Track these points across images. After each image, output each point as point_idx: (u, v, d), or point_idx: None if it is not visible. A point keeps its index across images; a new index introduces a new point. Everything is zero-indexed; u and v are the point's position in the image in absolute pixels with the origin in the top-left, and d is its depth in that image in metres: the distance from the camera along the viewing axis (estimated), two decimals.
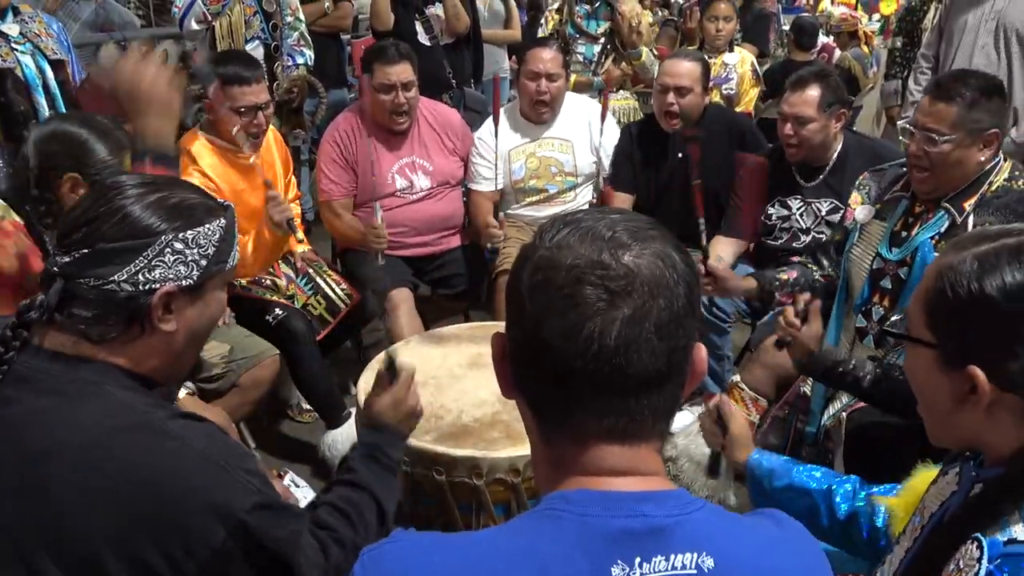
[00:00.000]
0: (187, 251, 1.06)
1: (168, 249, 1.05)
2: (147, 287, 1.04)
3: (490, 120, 3.08)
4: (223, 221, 1.11)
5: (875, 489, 1.35)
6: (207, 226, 1.08)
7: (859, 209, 2.10)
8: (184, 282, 1.06)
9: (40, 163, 1.65)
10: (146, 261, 1.03)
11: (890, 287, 1.98)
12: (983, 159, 1.87)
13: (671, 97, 2.81)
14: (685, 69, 2.81)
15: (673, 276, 0.72)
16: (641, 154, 2.98)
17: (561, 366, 0.71)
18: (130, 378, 1.06)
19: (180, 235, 1.05)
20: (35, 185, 1.65)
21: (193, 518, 0.97)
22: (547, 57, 2.90)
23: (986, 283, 0.90)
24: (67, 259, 1.03)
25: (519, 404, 0.79)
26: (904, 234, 1.98)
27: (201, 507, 0.98)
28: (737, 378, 2.39)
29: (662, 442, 0.77)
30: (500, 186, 3.01)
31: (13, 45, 2.54)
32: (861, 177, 2.17)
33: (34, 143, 1.67)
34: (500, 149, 2.98)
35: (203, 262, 1.08)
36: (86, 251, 1.03)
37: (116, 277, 1.02)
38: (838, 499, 1.36)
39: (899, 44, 4.41)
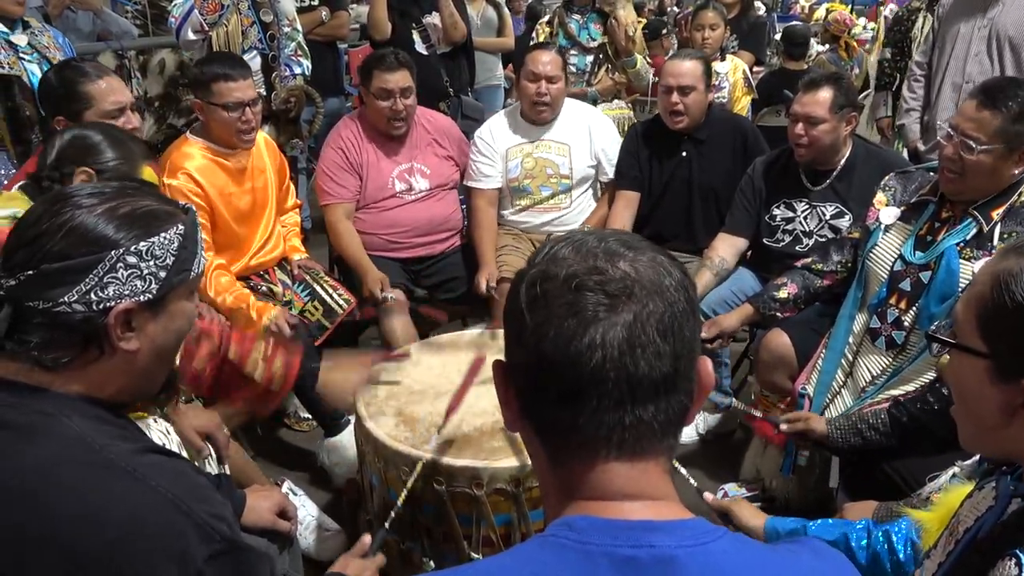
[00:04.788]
0: (142, 264, 0.98)
1: (120, 264, 0.96)
2: (101, 306, 0.96)
3: (491, 119, 3.14)
4: (182, 227, 1.03)
5: (887, 526, 1.34)
6: (163, 235, 1.00)
7: (884, 210, 2.10)
8: (143, 297, 0.98)
9: (57, 157, 1.68)
10: (97, 279, 0.95)
11: (909, 290, 1.98)
12: (1017, 172, 1.85)
13: (675, 97, 2.86)
14: (686, 68, 2.85)
15: (671, 282, 0.71)
16: (646, 152, 3.02)
17: (566, 378, 0.69)
18: (93, 405, 0.98)
19: (133, 247, 0.97)
20: (48, 178, 1.67)
21: (147, 567, 0.89)
22: (546, 59, 2.94)
23: None
24: (12, 281, 0.95)
25: (525, 434, 0.77)
26: (929, 238, 1.97)
27: (156, 555, 0.89)
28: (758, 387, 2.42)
29: (670, 460, 0.74)
30: (499, 184, 3.05)
31: (21, 54, 2.74)
32: (887, 178, 2.18)
33: (56, 144, 1.71)
34: (499, 147, 3.03)
35: (162, 274, 1.00)
36: (31, 272, 0.94)
37: (67, 298, 0.94)
38: (854, 544, 1.35)
39: (888, 55, 4.43)
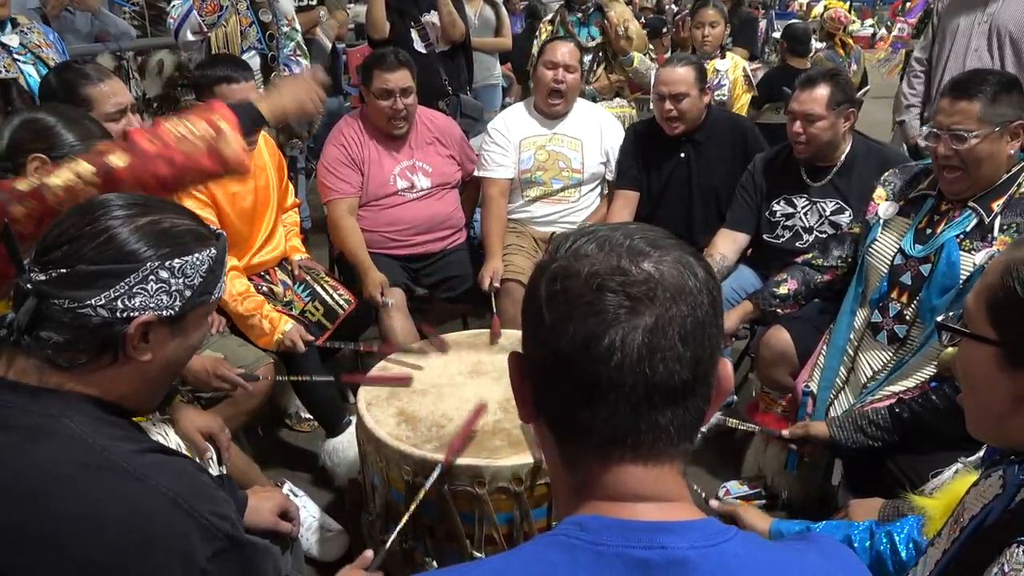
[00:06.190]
0: (172, 280, 1.01)
1: (152, 277, 0.99)
2: (124, 315, 0.98)
3: (506, 111, 3.18)
4: (213, 251, 1.06)
5: (890, 527, 1.34)
6: (196, 255, 1.04)
7: (883, 205, 2.12)
8: (165, 312, 1.01)
9: (9, 146, 1.63)
10: (127, 287, 0.98)
11: (909, 283, 1.99)
12: (1012, 152, 1.87)
13: (668, 104, 2.87)
14: (678, 76, 2.86)
15: (695, 283, 0.69)
16: (645, 152, 3.02)
17: (582, 379, 0.68)
18: (98, 407, 1.00)
19: (167, 263, 1.01)
20: (1, 168, 1.61)
21: (149, 567, 0.90)
22: (564, 49, 3.00)
23: None
24: (43, 277, 0.97)
25: (539, 430, 0.76)
26: (928, 231, 1.99)
27: (158, 555, 0.90)
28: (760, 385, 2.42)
29: (685, 463, 0.73)
30: (512, 175, 3.06)
31: (15, 56, 2.67)
32: (887, 174, 2.19)
33: (6, 131, 1.65)
34: (513, 138, 3.04)
35: (187, 293, 1.03)
36: (64, 271, 0.97)
37: (93, 301, 0.97)
38: (856, 545, 1.35)
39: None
